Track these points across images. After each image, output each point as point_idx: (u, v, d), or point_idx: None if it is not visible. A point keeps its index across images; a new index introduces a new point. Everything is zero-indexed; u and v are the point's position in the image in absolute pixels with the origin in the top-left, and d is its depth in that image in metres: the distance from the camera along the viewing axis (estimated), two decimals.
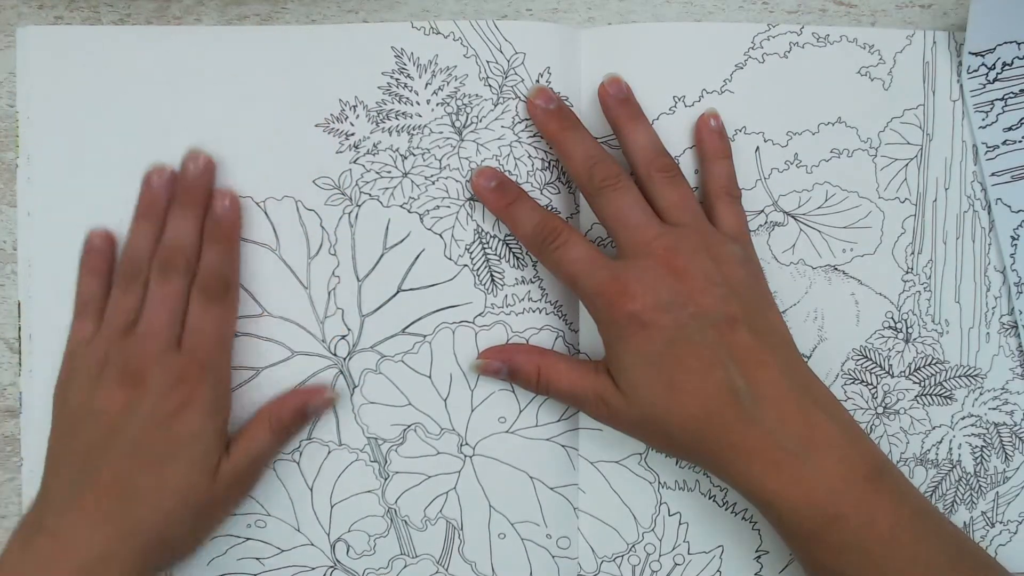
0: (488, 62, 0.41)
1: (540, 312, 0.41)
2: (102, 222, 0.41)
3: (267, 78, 0.41)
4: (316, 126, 0.41)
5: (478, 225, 0.41)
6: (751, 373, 0.34)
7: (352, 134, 0.41)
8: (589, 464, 0.42)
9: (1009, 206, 0.41)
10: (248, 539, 0.41)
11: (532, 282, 0.41)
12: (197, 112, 0.41)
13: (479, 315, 0.41)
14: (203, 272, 0.39)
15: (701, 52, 0.41)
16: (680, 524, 0.42)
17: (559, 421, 0.41)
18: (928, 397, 0.42)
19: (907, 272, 0.42)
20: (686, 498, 0.42)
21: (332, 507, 0.41)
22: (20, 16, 0.42)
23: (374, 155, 0.41)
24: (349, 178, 0.41)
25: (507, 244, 0.41)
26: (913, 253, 0.42)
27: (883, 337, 0.42)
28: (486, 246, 0.41)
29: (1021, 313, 0.41)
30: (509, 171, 0.41)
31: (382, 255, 0.41)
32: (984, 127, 0.41)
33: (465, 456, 0.41)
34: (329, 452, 0.41)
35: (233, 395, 0.40)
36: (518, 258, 0.41)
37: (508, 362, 0.39)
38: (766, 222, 0.42)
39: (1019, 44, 0.40)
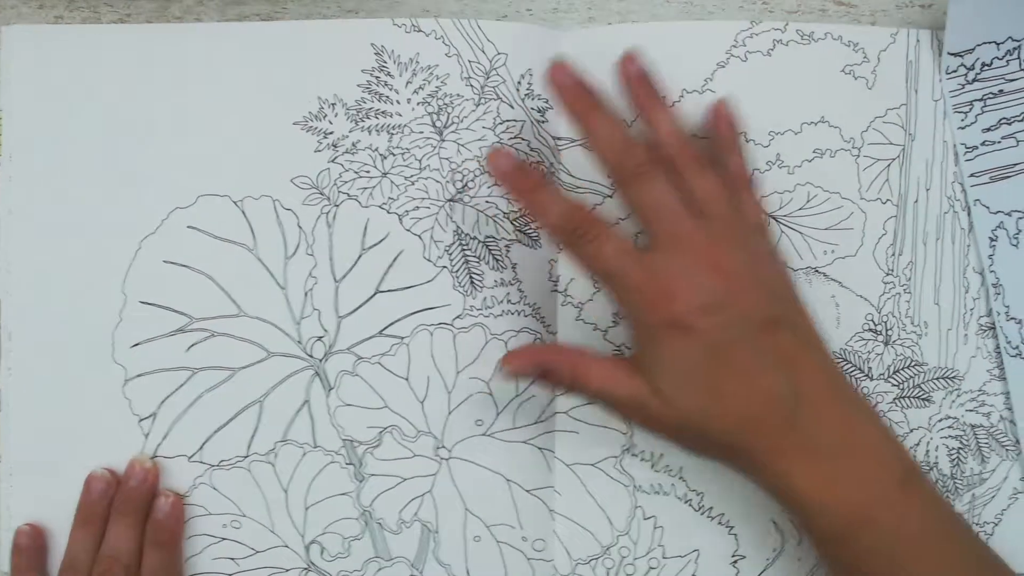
0: (470, 62, 0.40)
1: (519, 314, 0.41)
2: (80, 220, 0.40)
3: (246, 75, 0.41)
4: (295, 124, 0.41)
5: (458, 227, 0.41)
6: (795, 376, 0.33)
7: (331, 133, 0.41)
8: (565, 467, 0.42)
9: (988, 207, 0.41)
10: (223, 539, 0.41)
11: (511, 284, 0.41)
12: (176, 110, 0.41)
13: (457, 317, 0.41)
14: None
15: (682, 51, 0.41)
16: (655, 528, 0.42)
17: (536, 423, 0.41)
18: (906, 400, 0.42)
19: (888, 274, 0.42)
20: (661, 502, 0.42)
21: (307, 509, 0.41)
22: (20, 16, 0.42)
23: (353, 154, 0.41)
24: (327, 177, 0.41)
25: (487, 246, 0.41)
26: (894, 255, 0.42)
27: (863, 340, 0.42)
28: (465, 248, 0.41)
29: (999, 314, 0.41)
30: (490, 173, 0.40)
31: (360, 256, 0.41)
32: (963, 128, 0.41)
33: (441, 459, 0.41)
34: (304, 454, 0.41)
35: (206, 396, 0.40)
36: (497, 260, 0.41)
37: (541, 364, 0.36)
38: None
39: (998, 44, 0.40)
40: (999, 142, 0.41)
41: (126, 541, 0.39)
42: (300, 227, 0.41)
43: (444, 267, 0.41)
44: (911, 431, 0.42)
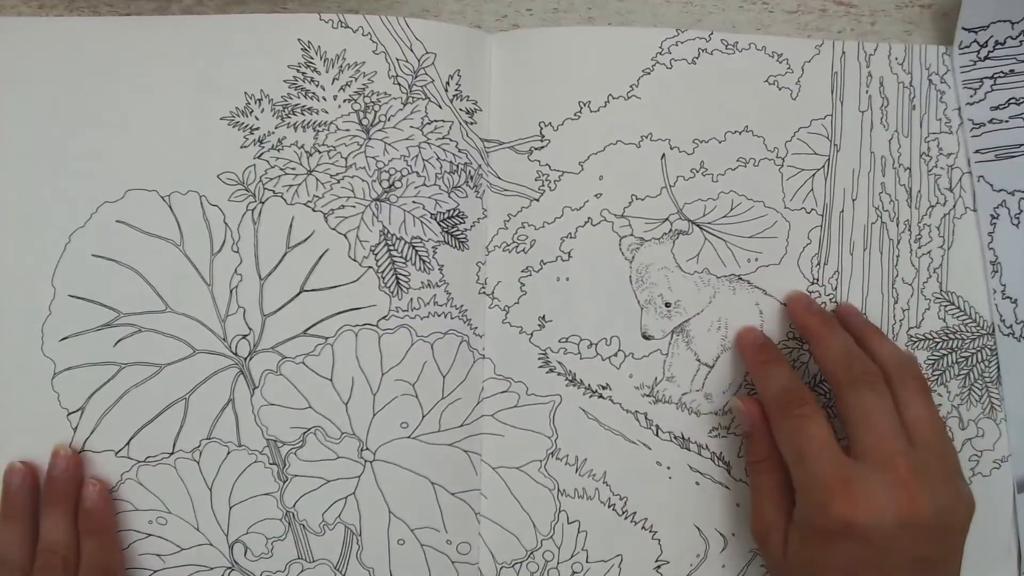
0: (398, 60, 0.40)
1: (445, 316, 0.41)
2: (10, 212, 0.40)
3: (174, 69, 0.40)
4: (221, 119, 0.40)
5: (384, 226, 0.40)
6: None
7: (257, 128, 0.40)
8: (491, 469, 0.41)
9: (991, 184, 0.41)
10: (150, 535, 0.41)
11: (438, 286, 0.41)
12: (105, 103, 0.40)
13: (383, 318, 0.40)
14: (85, 566, 0.39)
15: (609, 57, 0.41)
16: (579, 532, 0.41)
17: (462, 426, 0.41)
18: (831, 409, 0.42)
19: (812, 283, 0.42)
20: (585, 506, 0.41)
21: (231, 508, 0.41)
22: (20, 16, 0.41)
23: (279, 151, 0.40)
24: (253, 174, 0.40)
25: (413, 247, 0.40)
26: (819, 264, 0.42)
27: (787, 348, 0.42)
28: (392, 248, 0.40)
29: (995, 292, 0.41)
30: (418, 173, 0.40)
31: (285, 254, 0.40)
32: (972, 104, 0.41)
33: (365, 461, 0.41)
34: (228, 452, 0.41)
35: (133, 392, 0.40)
36: (424, 261, 0.40)
37: (755, 428, 0.39)
38: (671, 230, 0.41)
39: (1013, 24, 0.40)
40: (1007, 121, 0.41)
41: (61, 533, 0.39)
42: (226, 223, 0.40)
43: (370, 267, 0.40)
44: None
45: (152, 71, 0.40)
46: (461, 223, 0.41)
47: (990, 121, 0.41)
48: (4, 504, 0.39)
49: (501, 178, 0.41)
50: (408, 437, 0.41)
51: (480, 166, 0.41)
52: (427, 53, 0.40)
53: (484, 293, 0.41)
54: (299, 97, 0.40)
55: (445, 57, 0.40)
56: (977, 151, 0.41)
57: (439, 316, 0.41)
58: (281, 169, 0.40)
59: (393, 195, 0.40)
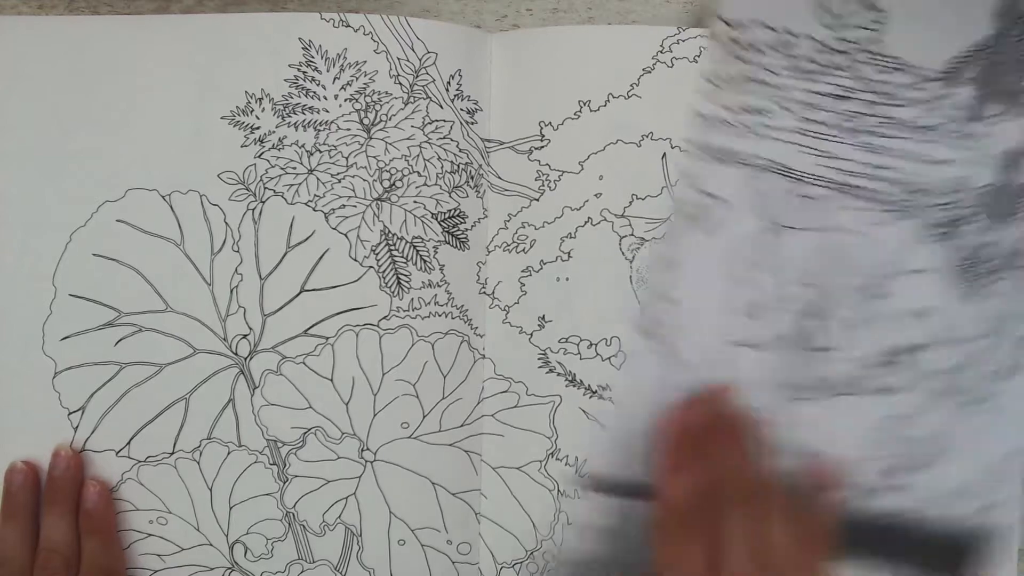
0: (399, 59, 0.40)
1: (446, 316, 0.41)
2: (11, 211, 0.40)
3: (173, 68, 0.40)
4: (222, 118, 0.40)
5: (385, 226, 0.40)
6: None
7: (257, 127, 0.40)
8: (491, 470, 0.41)
9: (694, 180, 0.37)
10: (150, 535, 0.41)
11: (439, 286, 0.40)
12: (106, 102, 0.40)
13: (384, 318, 0.40)
14: (86, 567, 0.38)
15: (609, 56, 0.40)
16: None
17: (463, 426, 0.41)
18: None
19: None
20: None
21: (231, 508, 0.41)
22: (20, 16, 0.41)
23: (279, 150, 0.40)
24: (254, 173, 0.40)
25: (414, 247, 0.40)
26: None
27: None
28: (392, 248, 0.40)
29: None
30: (419, 172, 0.40)
31: (285, 253, 0.40)
32: (705, 96, 0.39)
33: (366, 461, 0.41)
34: (229, 453, 0.40)
35: (133, 392, 0.40)
36: (425, 261, 0.40)
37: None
38: None
39: (774, 31, 0.38)
40: (733, 125, 0.39)
41: (62, 532, 0.39)
42: (227, 223, 0.40)
43: (371, 267, 0.40)
44: None
45: (152, 71, 0.40)
46: (462, 223, 0.40)
47: (716, 117, 0.37)
48: (5, 503, 0.39)
49: (501, 178, 0.41)
50: (409, 437, 0.41)
51: (480, 166, 0.41)
52: (428, 53, 0.40)
53: (484, 293, 0.41)
54: (300, 96, 0.40)
55: (446, 57, 0.40)
56: (689, 140, 0.38)
57: (440, 316, 0.41)
58: (282, 168, 0.40)
59: (394, 195, 0.40)
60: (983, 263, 0.38)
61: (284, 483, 0.40)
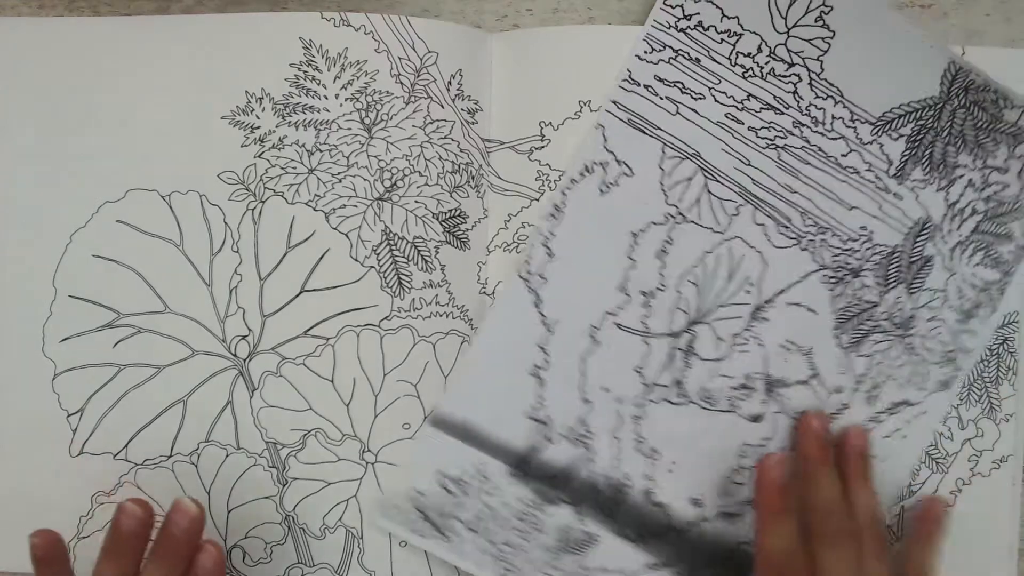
0: (400, 59, 0.40)
1: (447, 316, 0.40)
2: (11, 213, 0.40)
3: (174, 68, 0.40)
4: (222, 118, 0.40)
5: (386, 226, 0.40)
6: None
7: (258, 127, 0.40)
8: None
9: (605, 139, 0.38)
10: (149, 540, 0.40)
11: (440, 286, 0.40)
12: (106, 103, 0.40)
13: (385, 319, 0.40)
14: None
15: (609, 56, 0.40)
16: None
17: None
18: None
19: None
20: None
21: (229, 512, 0.40)
22: (20, 16, 0.41)
23: (279, 150, 0.40)
24: (253, 173, 0.40)
25: (415, 247, 0.40)
26: None
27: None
28: (394, 248, 0.40)
29: None
30: (420, 172, 0.40)
31: (285, 254, 0.40)
32: (641, 58, 0.38)
33: (367, 463, 0.40)
34: (227, 456, 0.40)
35: (132, 393, 0.40)
36: (426, 261, 0.40)
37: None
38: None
39: (724, 15, 0.38)
40: (660, 98, 0.38)
41: None
42: (226, 223, 0.40)
43: (372, 267, 0.40)
44: None
45: (152, 71, 0.40)
46: (463, 223, 0.40)
47: (645, 87, 0.38)
48: (110, 541, 0.36)
49: (502, 178, 0.40)
50: (410, 438, 0.40)
51: (481, 166, 0.40)
52: (429, 52, 0.39)
53: (485, 293, 0.41)
54: (300, 96, 0.40)
55: (447, 56, 0.39)
56: (615, 101, 0.38)
57: (441, 316, 0.40)
58: (282, 168, 0.40)
59: (395, 194, 0.40)
60: (862, 319, 0.38)
61: (284, 486, 0.40)
